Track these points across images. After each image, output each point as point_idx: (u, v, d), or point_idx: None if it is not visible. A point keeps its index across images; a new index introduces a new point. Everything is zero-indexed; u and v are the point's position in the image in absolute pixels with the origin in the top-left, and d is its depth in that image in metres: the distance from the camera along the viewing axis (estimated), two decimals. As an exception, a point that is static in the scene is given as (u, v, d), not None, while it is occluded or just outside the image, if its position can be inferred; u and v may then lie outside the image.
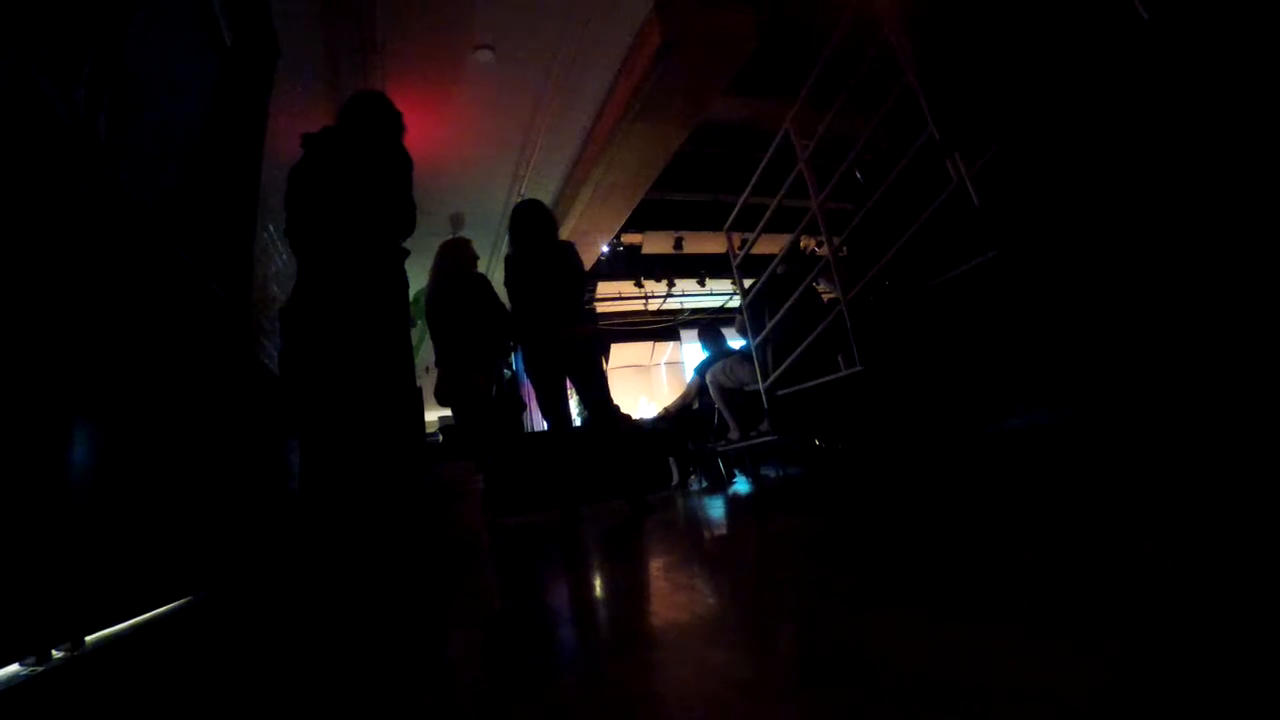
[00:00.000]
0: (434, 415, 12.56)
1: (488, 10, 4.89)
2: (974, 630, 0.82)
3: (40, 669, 1.14)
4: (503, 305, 4.10)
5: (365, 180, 2.50)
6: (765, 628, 1.08)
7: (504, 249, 8.56)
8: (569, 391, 4.17)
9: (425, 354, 8.08)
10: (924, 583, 1.12)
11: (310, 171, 2.47)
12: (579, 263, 3.89)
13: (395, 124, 2.71)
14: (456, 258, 4.21)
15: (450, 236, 7.79)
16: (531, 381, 3.78)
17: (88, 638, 1.34)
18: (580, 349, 3.70)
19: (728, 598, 1.37)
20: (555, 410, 3.80)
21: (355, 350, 2.37)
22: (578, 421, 6.05)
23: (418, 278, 8.58)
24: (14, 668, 1.12)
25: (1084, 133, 2.11)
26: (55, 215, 1.39)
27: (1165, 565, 0.95)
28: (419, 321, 7.68)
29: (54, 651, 1.21)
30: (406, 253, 2.60)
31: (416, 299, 7.93)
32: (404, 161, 2.62)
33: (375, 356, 2.43)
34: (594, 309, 10.71)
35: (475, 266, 4.30)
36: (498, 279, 4.08)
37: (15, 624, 1.12)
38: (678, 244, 10.18)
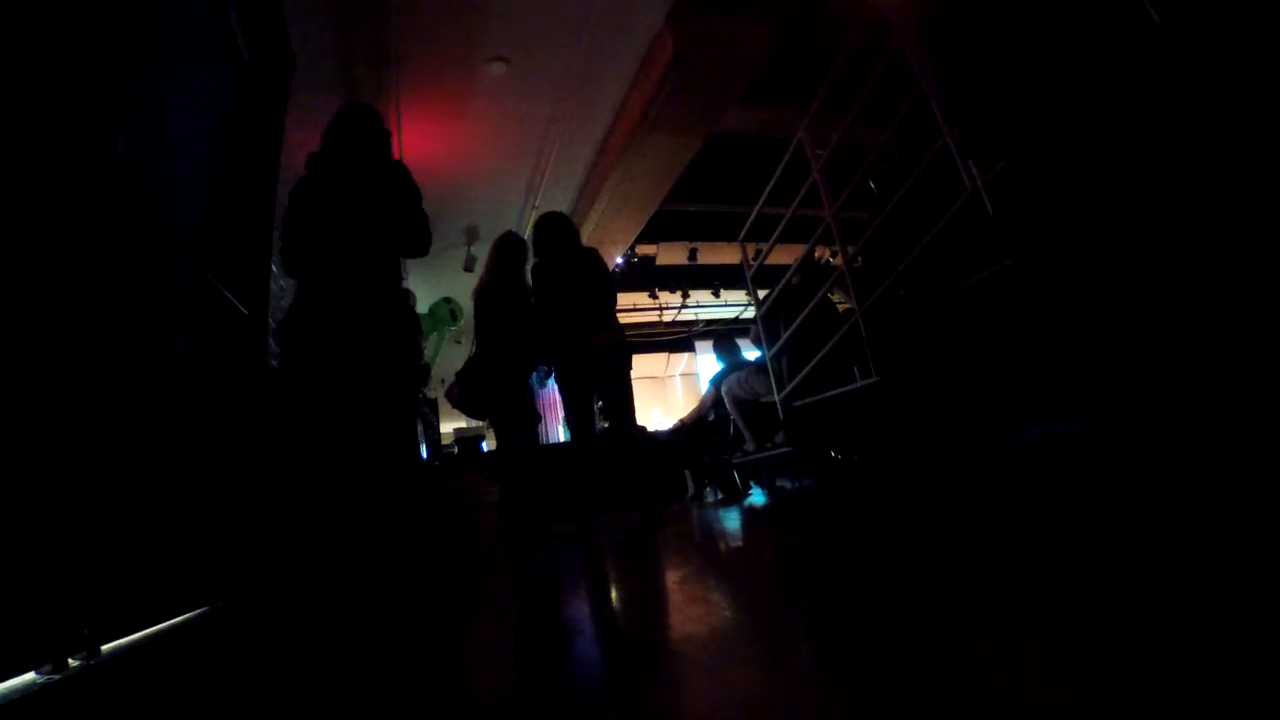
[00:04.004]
0: (449, 427, 12.61)
1: (502, 23, 4.93)
2: (999, 652, 0.80)
3: (56, 677, 1.14)
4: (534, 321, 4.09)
5: (379, 205, 2.54)
6: (782, 644, 1.07)
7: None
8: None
9: (439, 366, 8.13)
10: (945, 601, 1.10)
11: (319, 192, 2.51)
12: (605, 269, 3.89)
13: (387, 140, 2.75)
14: (522, 257, 4.12)
15: (464, 249, 7.86)
16: (560, 391, 3.77)
17: (104, 646, 1.35)
18: (611, 356, 3.69)
19: (743, 611, 1.35)
20: (581, 423, 3.78)
21: (355, 366, 2.41)
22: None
23: (432, 290, 8.60)
24: (30, 675, 1.13)
25: (1097, 138, 2.10)
26: (77, 229, 1.41)
27: (1186, 579, 0.93)
28: (434, 333, 7.72)
29: (70, 660, 1.21)
30: (402, 272, 2.65)
31: (433, 310, 7.99)
32: (412, 187, 2.67)
33: (376, 372, 2.46)
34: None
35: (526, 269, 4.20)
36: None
37: (32, 631, 1.12)
38: (692, 255, 10.18)
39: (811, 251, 4.33)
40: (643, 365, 14.26)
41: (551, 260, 3.77)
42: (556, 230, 3.85)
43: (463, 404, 3.97)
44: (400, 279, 2.66)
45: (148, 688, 1.31)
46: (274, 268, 2.85)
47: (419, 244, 2.67)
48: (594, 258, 3.84)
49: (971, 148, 2.61)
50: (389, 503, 2.44)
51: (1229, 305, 1.74)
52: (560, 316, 3.67)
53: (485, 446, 7.97)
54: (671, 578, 1.90)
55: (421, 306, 6.49)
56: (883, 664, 0.81)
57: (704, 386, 7.39)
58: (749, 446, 5.01)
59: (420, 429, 5.03)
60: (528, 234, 4.20)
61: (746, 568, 1.99)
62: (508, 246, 4.08)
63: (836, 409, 3.84)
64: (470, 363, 3.95)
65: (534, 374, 4.15)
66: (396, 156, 2.78)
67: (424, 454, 5.46)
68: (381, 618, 1.89)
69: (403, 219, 2.60)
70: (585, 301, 3.68)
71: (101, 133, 1.54)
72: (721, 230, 8.88)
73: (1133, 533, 1.30)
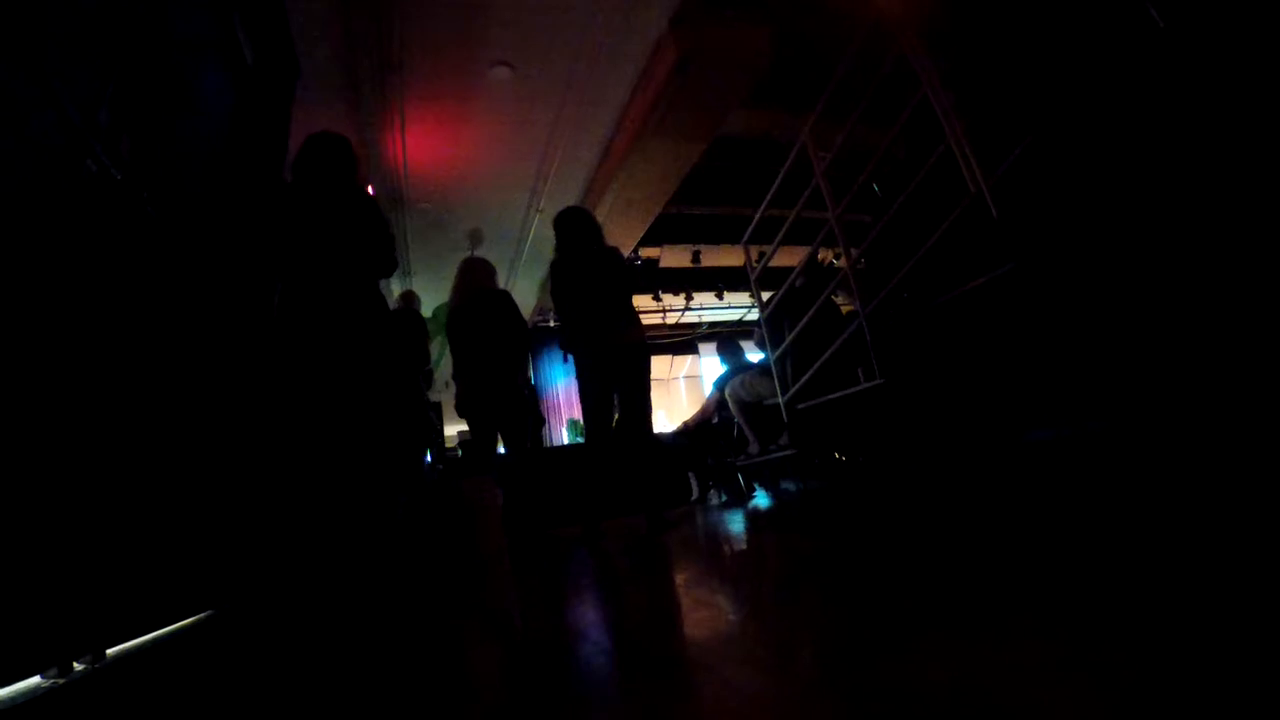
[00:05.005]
0: (453, 430, 12.61)
1: (505, 28, 4.94)
2: (1005, 660, 0.80)
3: (61, 681, 1.15)
4: (524, 321, 4.11)
5: (343, 232, 2.63)
6: (789, 648, 1.06)
7: (522, 264, 8.66)
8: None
9: (445, 368, 8.14)
10: (951, 607, 1.10)
11: (294, 222, 2.60)
12: (628, 266, 3.87)
13: (354, 167, 2.84)
14: (480, 274, 4.22)
15: (468, 253, 7.88)
16: (581, 389, 3.75)
17: (109, 650, 1.35)
18: (633, 357, 3.67)
19: (749, 616, 1.35)
20: (602, 423, 3.76)
21: (338, 374, 2.45)
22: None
23: (436, 294, 8.65)
24: (36, 679, 1.13)
25: (1100, 142, 2.09)
26: (80, 230, 1.42)
27: (1191, 584, 0.92)
28: (439, 336, 7.74)
29: (75, 664, 1.22)
30: (378, 284, 2.77)
31: (436, 314, 8.00)
32: (376, 210, 2.78)
33: (362, 380, 2.51)
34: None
35: (495, 283, 4.32)
36: (516, 293, 4.11)
37: (37, 636, 1.13)
38: (695, 257, 10.17)
39: (815, 253, 4.32)
40: (646, 368, 14.22)
41: (574, 256, 3.74)
42: (579, 225, 3.83)
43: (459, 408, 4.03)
44: (378, 294, 2.75)
45: (152, 692, 1.31)
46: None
47: (385, 264, 2.78)
48: (617, 255, 3.82)
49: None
50: (386, 506, 2.46)
51: (1238, 302, 1.73)
52: (584, 313, 3.67)
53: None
54: (679, 580, 1.90)
55: (425, 310, 6.49)
56: (888, 668, 0.81)
57: (708, 389, 7.38)
58: (753, 449, 5.00)
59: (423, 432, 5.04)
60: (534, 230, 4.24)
61: (752, 572, 1.99)
62: (474, 269, 4.17)
63: (840, 411, 3.83)
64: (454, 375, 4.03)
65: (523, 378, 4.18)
66: (399, 162, 2.86)
67: (427, 457, 5.46)
68: (385, 624, 1.89)
69: (373, 243, 2.71)
70: (610, 299, 3.67)
71: (105, 134, 1.54)
72: (725, 233, 8.87)
73: (1140, 536, 1.29)
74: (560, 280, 3.72)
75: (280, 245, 2.56)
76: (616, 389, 3.73)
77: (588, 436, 3.80)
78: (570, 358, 3.81)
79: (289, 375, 2.49)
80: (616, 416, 3.87)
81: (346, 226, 2.62)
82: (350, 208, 2.68)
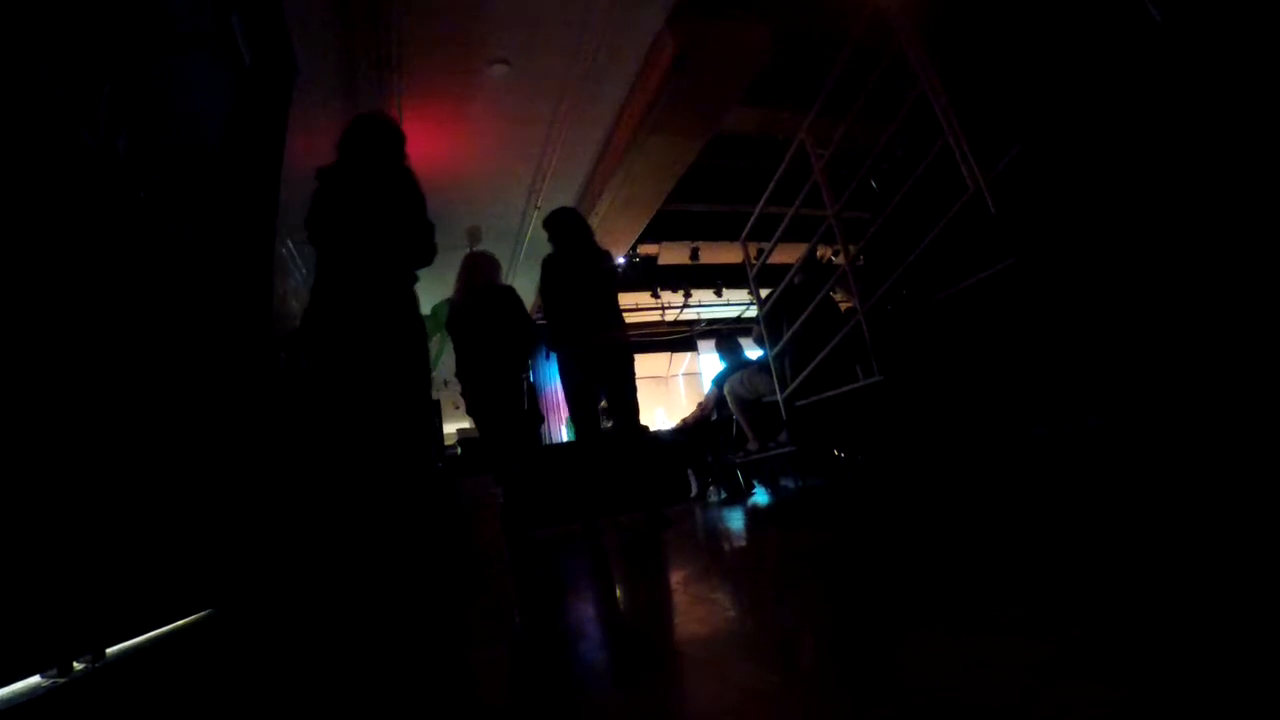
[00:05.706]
0: (452, 428, 12.60)
1: (502, 24, 4.93)
2: (1001, 654, 0.80)
3: (62, 681, 1.15)
4: (529, 317, 4.12)
5: (383, 215, 2.56)
6: (787, 644, 1.07)
7: (520, 262, 8.64)
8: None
9: (444, 366, 8.12)
10: (946, 602, 1.10)
11: (328, 205, 2.54)
12: (614, 269, 3.92)
13: (400, 147, 2.79)
14: (485, 270, 4.21)
15: (468, 250, 7.86)
16: (565, 390, 3.79)
17: (109, 649, 1.35)
18: (617, 356, 3.71)
19: (748, 613, 1.35)
20: (586, 420, 3.79)
21: (371, 370, 2.41)
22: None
23: (433, 292, 8.61)
24: (36, 679, 1.13)
25: (1098, 137, 2.09)
26: (78, 230, 1.42)
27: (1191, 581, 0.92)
28: (438, 335, 7.73)
29: (75, 663, 1.22)
30: (415, 278, 2.69)
31: (435, 312, 7.98)
32: (417, 194, 2.72)
33: (390, 374, 2.46)
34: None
35: (499, 278, 4.31)
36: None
37: (37, 635, 1.13)
38: (694, 254, 10.17)
39: (813, 250, 4.32)
40: (645, 365, 14.17)
41: (564, 256, 3.78)
42: (569, 226, 3.89)
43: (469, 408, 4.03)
44: (412, 287, 2.69)
45: (153, 691, 1.31)
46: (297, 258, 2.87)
47: (424, 253, 2.69)
48: (607, 259, 3.87)
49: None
50: (402, 506, 2.45)
51: (1237, 298, 1.73)
52: (570, 313, 3.68)
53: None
54: (678, 577, 1.91)
55: (424, 308, 6.50)
56: (888, 665, 0.81)
57: (707, 386, 7.38)
58: (752, 446, 5.00)
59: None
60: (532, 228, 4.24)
61: (751, 569, 1.99)
62: (478, 264, 4.16)
63: (839, 408, 3.83)
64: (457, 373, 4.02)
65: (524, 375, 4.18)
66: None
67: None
68: (385, 622, 1.89)
69: (410, 228, 2.63)
70: (596, 301, 3.69)
71: (103, 134, 1.54)
72: (723, 230, 8.86)
73: (1138, 533, 1.30)
74: (549, 279, 3.75)
75: (320, 227, 2.51)
76: (603, 389, 3.78)
77: (576, 432, 3.84)
78: (553, 355, 3.87)
79: (312, 371, 2.45)
80: (610, 421, 3.91)
81: (387, 212, 2.57)
82: (393, 192, 2.62)
